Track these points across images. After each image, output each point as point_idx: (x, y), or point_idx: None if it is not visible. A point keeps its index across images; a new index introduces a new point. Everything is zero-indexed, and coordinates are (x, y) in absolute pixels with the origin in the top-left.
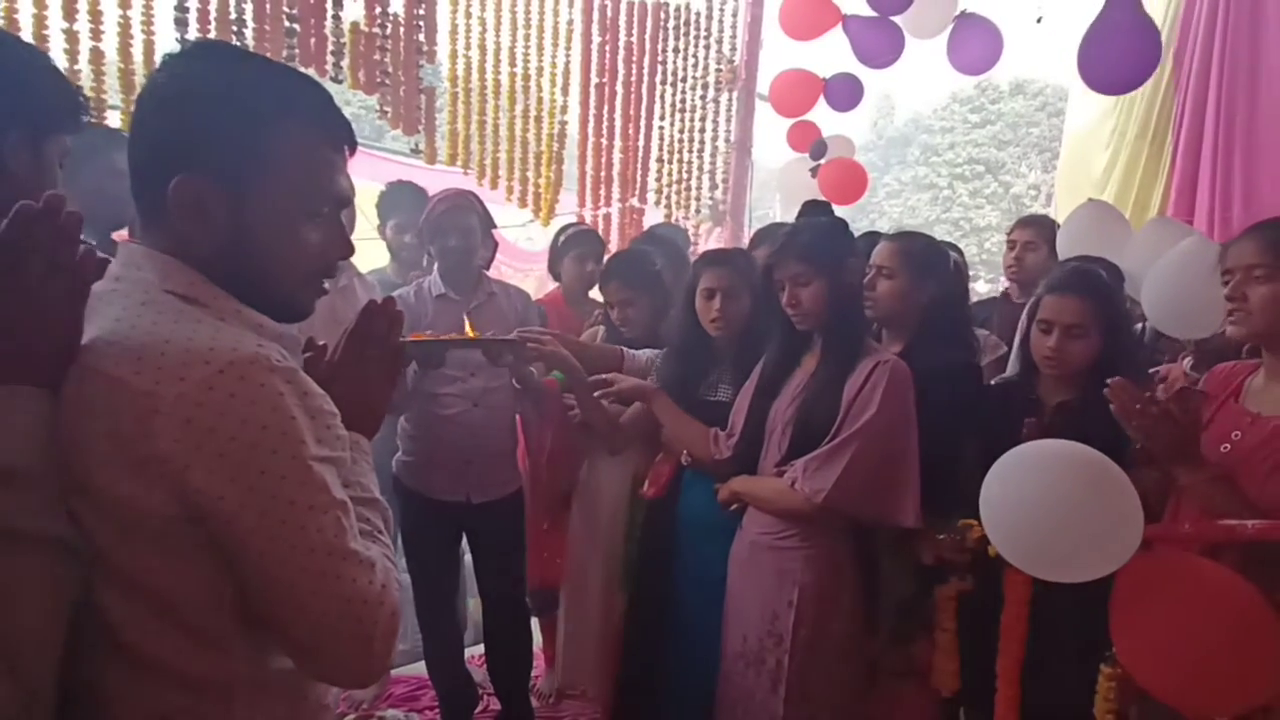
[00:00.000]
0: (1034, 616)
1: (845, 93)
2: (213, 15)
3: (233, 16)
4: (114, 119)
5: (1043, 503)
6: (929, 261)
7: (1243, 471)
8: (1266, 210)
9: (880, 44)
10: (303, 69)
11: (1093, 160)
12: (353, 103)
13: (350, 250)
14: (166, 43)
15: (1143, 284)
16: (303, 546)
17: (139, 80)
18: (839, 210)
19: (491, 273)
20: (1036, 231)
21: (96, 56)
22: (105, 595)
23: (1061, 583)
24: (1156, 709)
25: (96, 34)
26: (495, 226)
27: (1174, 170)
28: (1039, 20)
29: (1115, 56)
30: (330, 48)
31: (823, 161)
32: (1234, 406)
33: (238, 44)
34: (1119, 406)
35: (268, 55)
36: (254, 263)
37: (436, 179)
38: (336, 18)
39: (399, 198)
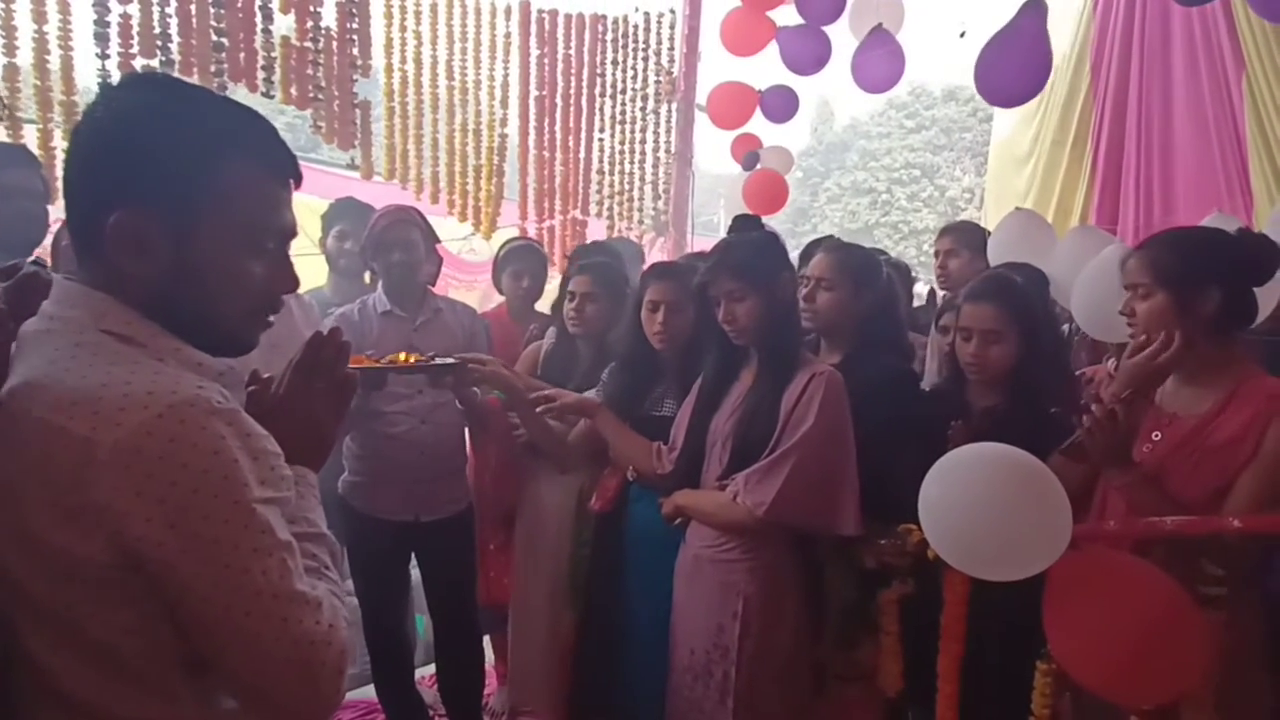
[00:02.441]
0: (973, 616)
1: (781, 104)
2: (135, 29)
3: (157, 30)
4: (30, 135)
5: (977, 505)
6: (867, 272)
7: (1166, 470)
8: (1182, 215)
9: (806, 51)
10: (232, 84)
11: (1017, 167)
12: (287, 113)
13: (295, 283)
14: (85, 58)
15: (1072, 289)
16: (248, 590)
17: (56, 97)
18: (782, 215)
19: (436, 285)
20: (956, 239)
21: (11, 72)
22: (37, 644)
23: (998, 582)
24: (1090, 702)
25: (11, 49)
26: (439, 242)
27: (1095, 177)
28: (962, 35)
29: (1007, 70)
30: (260, 62)
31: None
32: (1152, 408)
33: (163, 59)
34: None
35: (194, 70)
36: (197, 299)
37: (375, 193)
38: (267, 31)
39: (344, 209)
